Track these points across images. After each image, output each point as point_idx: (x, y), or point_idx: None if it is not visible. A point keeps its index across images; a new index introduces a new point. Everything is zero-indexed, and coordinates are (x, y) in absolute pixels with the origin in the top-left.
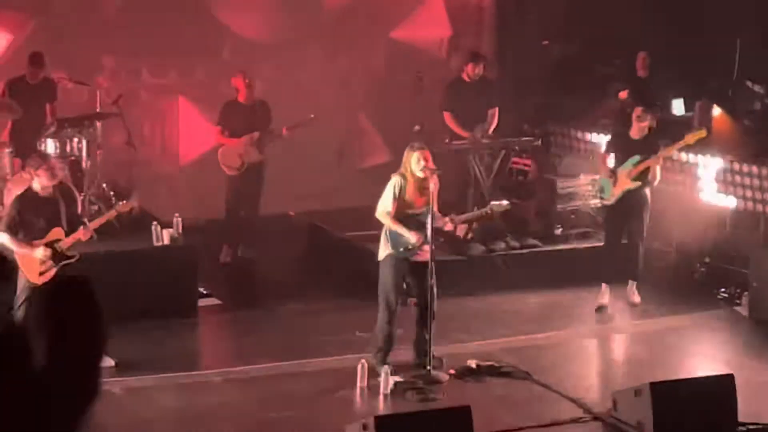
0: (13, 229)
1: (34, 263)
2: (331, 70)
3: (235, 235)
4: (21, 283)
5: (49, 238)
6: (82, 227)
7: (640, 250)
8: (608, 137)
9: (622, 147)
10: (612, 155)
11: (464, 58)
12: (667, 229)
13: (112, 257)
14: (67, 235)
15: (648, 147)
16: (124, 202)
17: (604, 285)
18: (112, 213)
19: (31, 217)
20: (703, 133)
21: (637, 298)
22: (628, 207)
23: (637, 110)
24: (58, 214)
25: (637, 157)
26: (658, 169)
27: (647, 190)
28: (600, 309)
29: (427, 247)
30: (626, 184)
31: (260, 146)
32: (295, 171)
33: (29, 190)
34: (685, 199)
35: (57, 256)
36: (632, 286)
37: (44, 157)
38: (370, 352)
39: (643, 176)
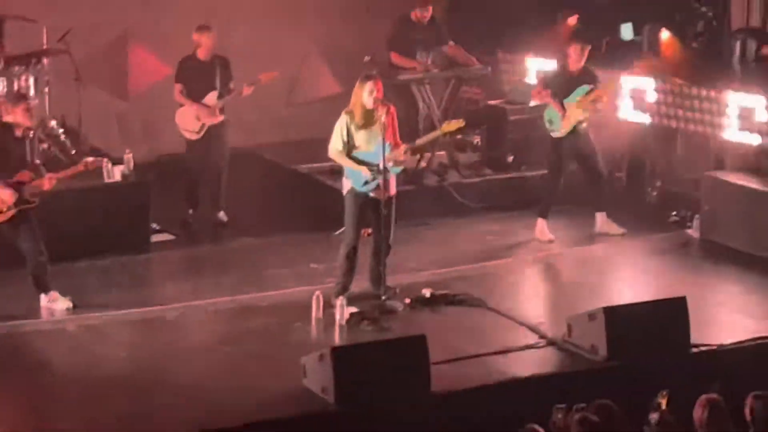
0: None
1: None
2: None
3: (197, 200)
4: None
5: (18, 179)
6: (47, 176)
7: (603, 179)
8: (546, 72)
9: (563, 84)
10: (550, 92)
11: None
12: (619, 154)
13: (63, 195)
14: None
15: (588, 77)
16: (92, 159)
17: (540, 220)
18: (80, 168)
19: (5, 154)
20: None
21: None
22: (577, 142)
23: (582, 45)
24: (25, 157)
25: (586, 87)
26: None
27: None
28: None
29: (390, 183)
30: (577, 115)
31: (220, 106)
32: (246, 103)
33: (7, 125)
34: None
35: (20, 199)
36: (603, 216)
37: (23, 96)
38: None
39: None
